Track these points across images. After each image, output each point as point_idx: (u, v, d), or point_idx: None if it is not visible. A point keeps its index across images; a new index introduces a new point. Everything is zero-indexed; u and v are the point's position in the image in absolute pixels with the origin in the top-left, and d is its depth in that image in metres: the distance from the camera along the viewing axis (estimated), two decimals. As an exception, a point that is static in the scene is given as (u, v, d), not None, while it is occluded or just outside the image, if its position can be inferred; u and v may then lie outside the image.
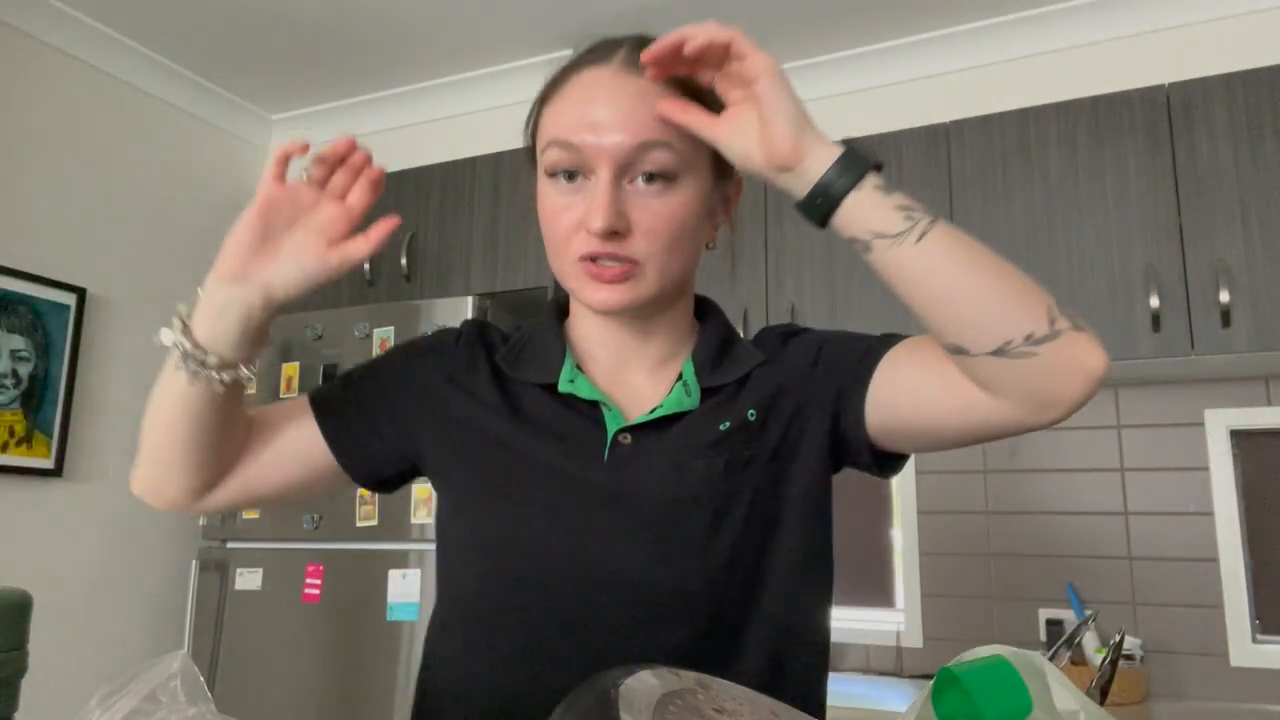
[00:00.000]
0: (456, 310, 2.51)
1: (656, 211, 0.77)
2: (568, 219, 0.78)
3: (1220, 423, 2.35)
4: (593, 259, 0.77)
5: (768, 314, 2.53)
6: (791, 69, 2.89)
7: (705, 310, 0.92)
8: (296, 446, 0.87)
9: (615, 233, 0.75)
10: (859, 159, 0.72)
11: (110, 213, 2.82)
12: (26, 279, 2.55)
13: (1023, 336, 0.69)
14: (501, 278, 2.74)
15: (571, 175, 0.78)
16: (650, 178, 0.76)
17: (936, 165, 2.43)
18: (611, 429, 0.81)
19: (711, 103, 0.78)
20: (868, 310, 2.44)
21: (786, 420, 0.83)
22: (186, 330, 0.78)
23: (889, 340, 0.84)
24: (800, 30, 2.70)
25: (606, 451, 0.81)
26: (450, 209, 2.87)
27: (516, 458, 0.82)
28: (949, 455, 2.61)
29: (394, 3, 2.62)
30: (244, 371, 0.79)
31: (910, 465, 2.65)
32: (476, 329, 0.91)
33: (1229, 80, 2.19)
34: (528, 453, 0.82)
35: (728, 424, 0.81)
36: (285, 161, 0.76)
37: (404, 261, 2.85)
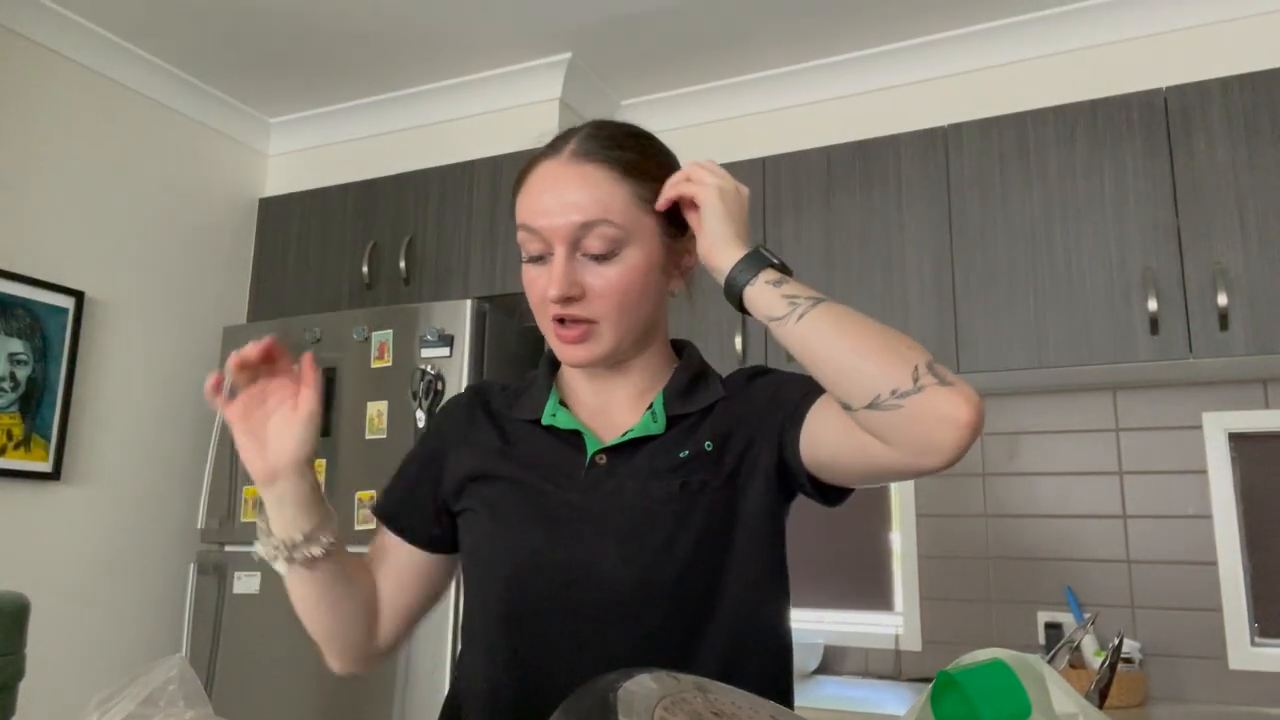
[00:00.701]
0: (455, 313, 2.51)
1: (606, 277, 0.92)
2: (538, 288, 0.94)
3: (1218, 426, 2.35)
4: (560, 321, 0.93)
5: (766, 317, 2.53)
6: (791, 73, 2.89)
7: (682, 351, 1.06)
8: (398, 559, 1.03)
9: (571, 298, 0.91)
10: (758, 260, 0.89)
11: (109, 216, 2.81)
12: (25, 282, 2.55)
13: (889, 391, 0.80)
14: (499, 280, 2.74)
15: (538, 253, 0.93)
16: (598, 249, 0.91)
17: (935, 168, 2.44)
18: (590, 451, 0.95)
19: (651, 184, 0.94)
20: (863, 312, 2.44)
21: (740, 450, 0.95)
22: (269, 534, 0.92)
23: (816, 392, 0.93)
24: (799, 34, 2.71)
25: (584, 472, 0.94)
26: (449, 212, 2.87)
27: (510, 485, 0.96)
28: (947, 458, 2.61)
29: (392, 7, 2.62)
30: (325, 539, 0.93)
31: (909, 468, 2.64)
32: (475, 391, 1.07)
33: (1226, 84, 2.19)
34: (518, 479, 0.96)
35: (687, 452, 0.94)
36: (218, 385, 0.91)
37: (402, 264, 2.85)
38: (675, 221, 0.96)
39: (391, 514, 1.04)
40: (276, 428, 0.91)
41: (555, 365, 1.06)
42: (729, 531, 0.93)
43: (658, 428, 0.96)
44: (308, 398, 0.91)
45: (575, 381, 1.03)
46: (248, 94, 3.16)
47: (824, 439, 0.89)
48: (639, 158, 0.94)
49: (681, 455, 0.94)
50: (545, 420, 0.98)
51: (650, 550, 0.90)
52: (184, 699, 0.66)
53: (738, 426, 0.96)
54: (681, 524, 0.91)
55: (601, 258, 0.91)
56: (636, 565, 0.90)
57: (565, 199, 0.91)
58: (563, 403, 1.01)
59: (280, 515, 0.91)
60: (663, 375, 1.01)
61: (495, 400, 1.05)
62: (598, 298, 0.91)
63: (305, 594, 0.95)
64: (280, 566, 0.93)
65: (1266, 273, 2.09)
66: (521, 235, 0.94)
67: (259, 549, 0.93)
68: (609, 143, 0.94)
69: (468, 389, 1.09)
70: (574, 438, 0.97)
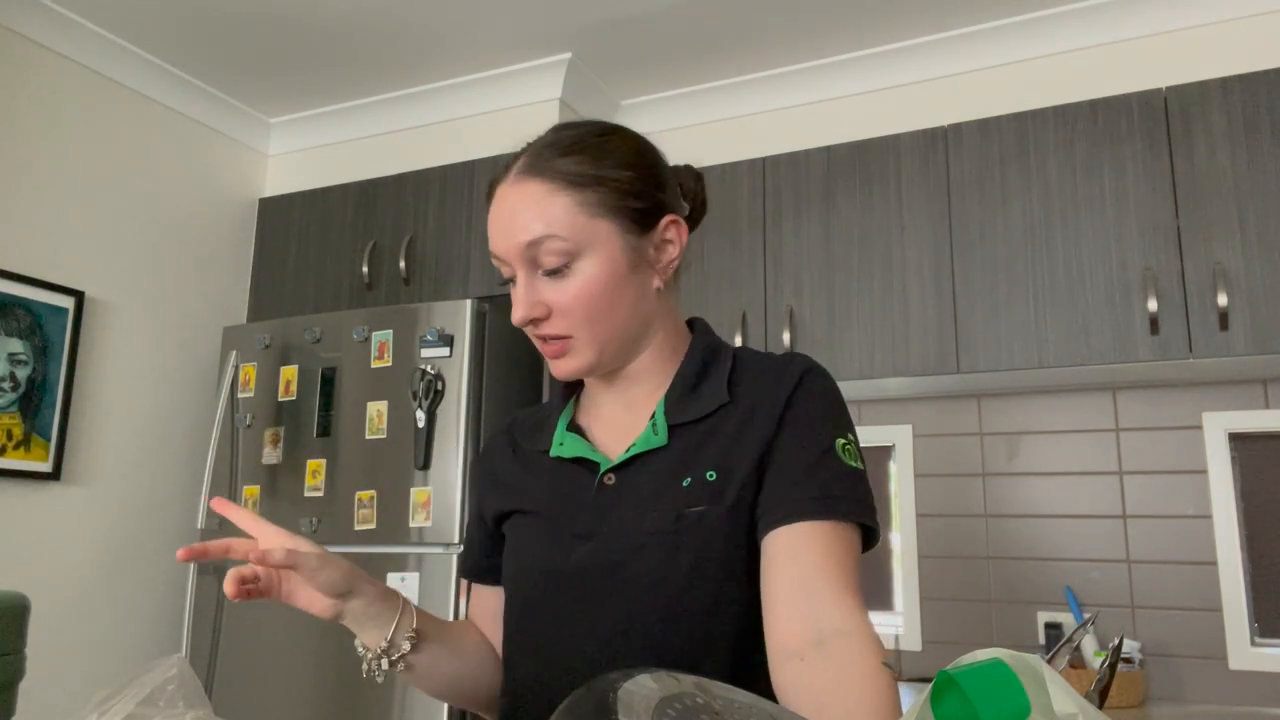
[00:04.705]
0: (455, 313, 2.51)
1: (566, 291, 0.90)
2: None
3: (1218, 425, 2.35)
4: (542, 339, 0.93)
5: (766, 318, 2.53)
6: (791, 73, 2.89)
7: (693, 333, 1.01)
8: (501, 604, 1.03)
9: (536, 319, 0.91)
10: None
11: (109, 216, 2.81)
12: (25, 282, 2.55)
13: None
14: (500, 281, 2.74)
15: (508, 277, 0.94)
16: (551, 265, 0.89)
17: (935, 169, 2.44)
18: (600, 472, 0.94)
19: (620, 188, 0.90)
20: (864, 314, 2.44)
21: (743, 478, 0.88)
22: (364, 649, 0.92)
23: (808, 510, 0.86)
24: (799, 35, 2.71)
25: (593, 497, 0.93)
26: (449, 212, 2.87)
27: (529, 516, 0.98)
28: (947, 458, 2.61)
29: (393, 7, 2.62)
30: (406, 634, 0.92)
31: (909, 468, 2.65)
32: (506, 428, 1.09)
33: (1226, 84, 2.19)
34: (535, 510, 0.97)
35: (689, 480, 0.89)
36: (191, 555, 0.83)
37: (402, 265, 2.85)
38: (641, 218, 0.91)
39: (474, 570, 1.07)
40: (296, 582, 0.89)
41: (574, 385, 1.05)
42: (730, 565, 0.87)
43: (659, 440, 0.92)
44: (285, 556, 0.83)
45: (593, 393, 1.01)
46: (248, 94, 3.16)
47: (763, 575, 0.85)
48: (587, 162, 0.89)
49: (685, 484, 0.89)
50: (553, 452, 0.98)
51: (637, 586, 0.87)
52: (183, 699, 0.66)
53: (741, 447, 0.89)
54: (670, 560, 0.87)
55: (557, 273, 0.89)
56: (622, 602, 0.88)
57: (511, 221, 0.90)
58: (575, 423, 1.00)
59: (362, 633, 0.91)
60: (668, 371, 0.98)
61: (519, 434, 1.05)
62: (561, 315, 0.90)
63: (422, 680, 0.97)
64: (382, 672, 0.94)
65: (1266, 273, 2.09)
66: (493, 262, 0.95)
67: (364, 667, 0.94)
68: (554, 152, 0.90)
69: (502, 425, 1.11)
70: (585, 462, 0.95)
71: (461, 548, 1.07)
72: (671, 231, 0.94)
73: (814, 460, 0.87)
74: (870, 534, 0.89)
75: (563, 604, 0.91)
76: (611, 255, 0.90)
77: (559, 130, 0.94)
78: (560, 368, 0.93)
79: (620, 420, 0.98)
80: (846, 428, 0.91)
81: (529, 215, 0.89)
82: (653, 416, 0.94)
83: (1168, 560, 2.35)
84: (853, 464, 0.89)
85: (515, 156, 0.93)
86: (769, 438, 0.89)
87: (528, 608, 0.95)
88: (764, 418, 0.90)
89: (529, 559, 0.95)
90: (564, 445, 0.97)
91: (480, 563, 1.06)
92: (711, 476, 0.89)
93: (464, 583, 1.10)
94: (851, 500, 0.86)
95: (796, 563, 0.83)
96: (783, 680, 0.79)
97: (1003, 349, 2.29)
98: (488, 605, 1.05)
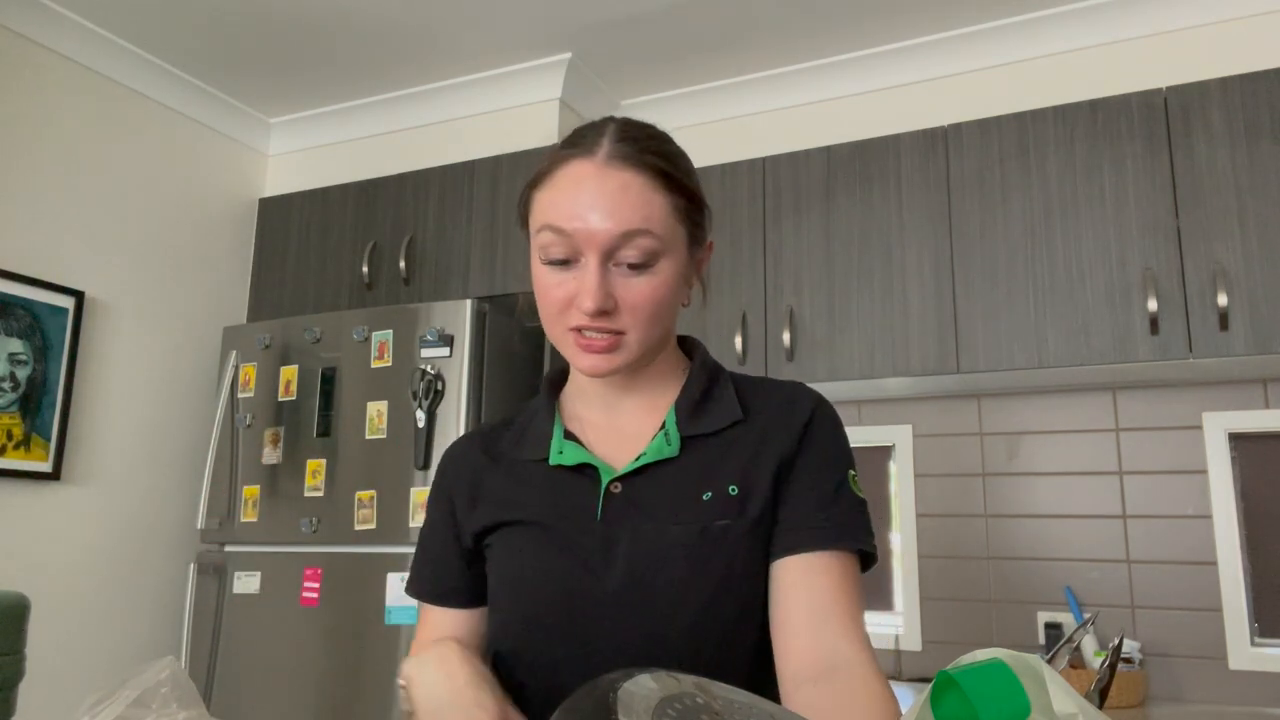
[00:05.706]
0: (455, 313, 2.51)
1: (640, 290, 0.87)
2: (560, 294, 0.87)
3: (1218, 425, 2.35)
4: (581, 330, 0.87)
5: (766, 318, 2.53)
6: (791, 73, 2.89)
7: (690, 350, 1.01)
8: (458, 628, 1.00)
9: (605, 311, 0.86)
10: None
11: (109, 216, 2.81)
12: (25, 282, 2.55)
13: None
14: (499, 281, 2.74)
15: (564, 257, 0.87)
16: (634, 259, 0.86)
17: (935, 168, 2.44)
18: (605, 480, 0.91)
19: (695, 200, 0.91)
20: (864, 314, 2.44)
21: (763, 494, 0.90)
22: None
23: (823, 540, 0.88)
24: (799, 35, 2.71)
25: (600, 507, 0.90)
26: (449, 212, 2.87)
27: (529, 527, 0.93)
28: (947, 458, 2.61)
29: (392, 7, 2.62)
30: None
31: (909, 468, 2.65)
32: (472, 438, 1.04)
33: (1226, 84, 2.19)
34: (536, 520, 0.93)
35: (710, 494, 0.90)
36: None
37: (402, 264, 2.85)
38: (697, 233, 0.93)
39: (430, 592, 1.01)
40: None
41: (555, 387, 1.02)
42: (751, 578, 0.88)
43: (672, 450, 0.91)
44: None
45: (582, 400, 0.99)
46: (248, 94, 3.16)
47: (776, 601, 0.87)
48: (671, 166, 0.89)
49: (705, 498, 0.89)
50: (553, 460, 0.94)
51: (660, 601, 0.87)
52: (176, 700, 0.66)
53: (760, 464, 0.91)
54: (697, 571, 0.87)
55: (637, 269, 0.86)
56: (647, 614, 0.87)
57: (606, 205, 0.85)
58: (569, 432, 0.96)
59: None
60: (673, 383, 0.97)
61: (500, 443, 1.01)
62: (629, 310, 0.87)
63: None
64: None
65: (1266, 273, 2.09)
66: (546, 237, 0.87)
67: (406, 706, 0.89)
68: (642, 147, 0.88)
69: (464, 437, 1.05)
70: (587, 470, 0.93)
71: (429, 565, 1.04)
72: (707, 254, 0.98)
73: (831, 490, 0.90)
74: (869, 558, 0.93)
75: (579, 618, 0.89)
76: (680, 262, 0.90)
77: (631, 125, 0.91)
78: (599, 364, 0.88)
79: (617, 428, 0.96)
80: (852, 461, 0.95)
81: (631, 206, 0.85)
82: (662, 427, 0.93)
83: (1168, 560, 2.35)
84: (860, 494, 0.93)
85: (591, 137, 0.89)
86: (788, 458, 0.91)
87: (539, 622, 0.91)
88: (782, 438, 0.92)
89: (534, 571, 0.92)
90: (564, 453, 0.94)
91: (451, 584, 1.00)
92: (733, 491, 0.90)
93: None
94: (861, 528, 0.90)
95: (811, 592, 0.86)
96: (794, 705, 0.81)
97: (1003, 349, 2.28)
98: (451, 627, 0.99)
